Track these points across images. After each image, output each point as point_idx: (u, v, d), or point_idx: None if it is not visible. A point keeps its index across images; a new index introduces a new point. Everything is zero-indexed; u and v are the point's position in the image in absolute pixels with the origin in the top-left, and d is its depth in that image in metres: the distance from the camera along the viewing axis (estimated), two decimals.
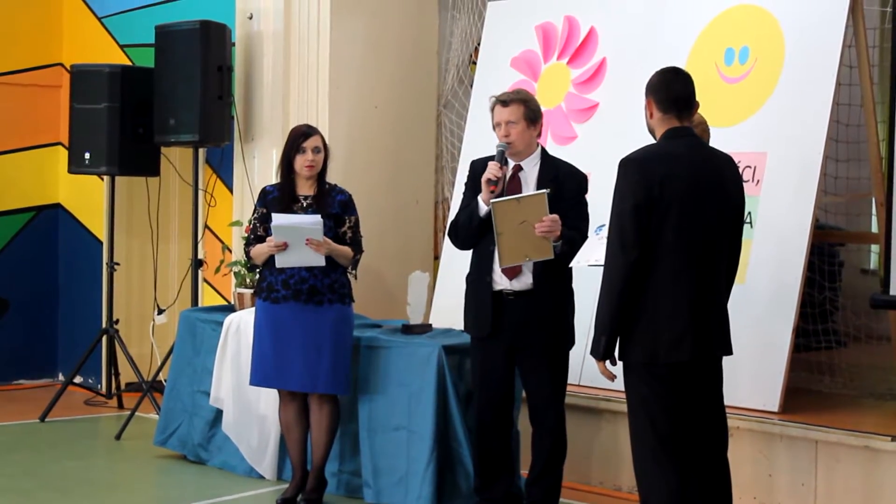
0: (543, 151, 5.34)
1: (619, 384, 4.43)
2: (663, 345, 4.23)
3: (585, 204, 5.28)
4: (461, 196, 5.45)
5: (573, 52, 6.94)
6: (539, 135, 5.34)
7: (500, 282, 5.22)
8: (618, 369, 4.37)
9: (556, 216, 5.01)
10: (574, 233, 5.10)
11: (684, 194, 4.24)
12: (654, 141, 4.45)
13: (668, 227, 4.22)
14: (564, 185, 5.22)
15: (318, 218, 5.48)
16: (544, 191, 5.06)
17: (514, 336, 5.22)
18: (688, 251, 4.26)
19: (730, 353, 4.44)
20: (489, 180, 5.13)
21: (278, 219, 5.53)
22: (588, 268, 4.86)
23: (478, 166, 5.35)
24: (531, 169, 5.26)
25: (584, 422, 6.16)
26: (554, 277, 5.20)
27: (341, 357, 5.63)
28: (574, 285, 5.31)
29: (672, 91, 4.38)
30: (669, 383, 4.28)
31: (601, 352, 4.29)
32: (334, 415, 5.71)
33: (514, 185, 5.26)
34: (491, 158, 5.26)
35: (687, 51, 6.36)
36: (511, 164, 5.27)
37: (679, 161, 4.29)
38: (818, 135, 5.80)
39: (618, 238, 4.24)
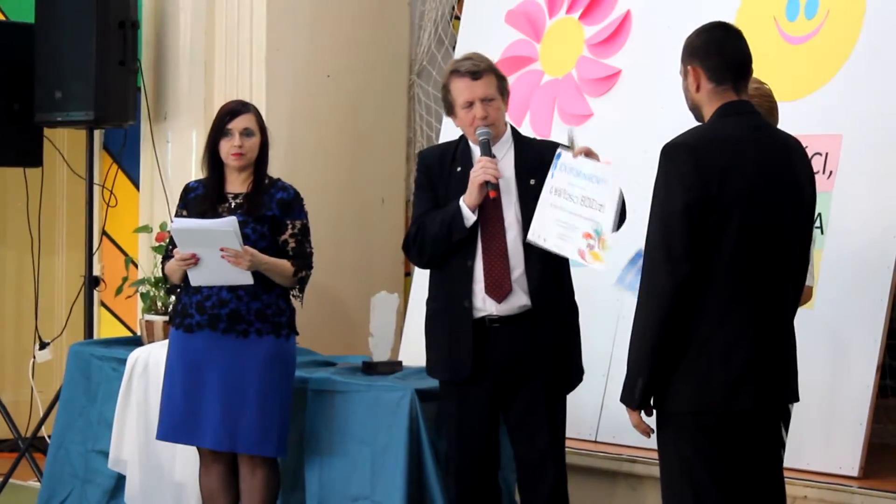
0: (513, 130, 5.35)
1: (652, 441, 4.40)
2: (717, 389, 4.19)
3: None
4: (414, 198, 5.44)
5: (587, 3, 6.94)
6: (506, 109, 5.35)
7: (483, 307, 5.17)
8: (653, 420, 4.33)
9: None
10: None
11: (750, 192, 4.20)
12: (697, 122, 4.42)
13: (727, 235, 4.18)
14: None
15: (231, 220, 5.45)
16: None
17: (501, 376, 5.18)
18: (752, 267, 4.22)
19: (797, 399, 4.44)
20: (489, 183, 5.07)
21: (179, 222, 5.54)
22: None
23: (429, 158, 5.38)
24: (505, 155, 5.23)
25: (600, 488, 6.18)
26: (556, 292, 5.20)
27: (273, 407, 5.59)
28: (587, 301, 5.29)
29: (727, 54, 4.33)
30: (720, 439, 4.25)
31: (637, 399, 4.24)
32: (271, 481, 5.69)
33: None
34: (446, 147, 5.34)
35: (737, 0, 6.34)
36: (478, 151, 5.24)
37: (742, 148, 4.25)
38: None
39: (663, 249, 4.18)
